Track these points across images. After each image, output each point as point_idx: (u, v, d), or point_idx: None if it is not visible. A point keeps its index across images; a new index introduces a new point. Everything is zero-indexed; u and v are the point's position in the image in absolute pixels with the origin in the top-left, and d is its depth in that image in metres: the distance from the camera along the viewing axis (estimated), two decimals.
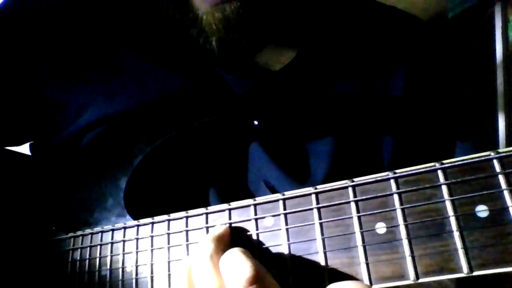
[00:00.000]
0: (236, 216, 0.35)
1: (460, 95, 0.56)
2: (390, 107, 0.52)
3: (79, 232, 0.44)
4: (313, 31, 0.52)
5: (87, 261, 0.42)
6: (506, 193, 0.26)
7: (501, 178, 0.26)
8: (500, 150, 0.26)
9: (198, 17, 0.43)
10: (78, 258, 0.43)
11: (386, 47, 0.54)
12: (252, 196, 0.34)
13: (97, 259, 0.41)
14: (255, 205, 0.34)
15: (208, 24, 0.42)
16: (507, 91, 1.65)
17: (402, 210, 0.28)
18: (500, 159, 0.26)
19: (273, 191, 0.47)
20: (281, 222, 0.32)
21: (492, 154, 0.26)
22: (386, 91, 0.52)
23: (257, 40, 0.45)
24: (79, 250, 0.43)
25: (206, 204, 0.40)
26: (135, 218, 0.41)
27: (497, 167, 0.26)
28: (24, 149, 0.56)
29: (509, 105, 1.64)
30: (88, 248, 0.42)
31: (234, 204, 0.35)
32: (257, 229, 0.33)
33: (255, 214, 0.34)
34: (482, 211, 0.26)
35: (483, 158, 0.27)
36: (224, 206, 0.35)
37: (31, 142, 0.57)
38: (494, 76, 1.69)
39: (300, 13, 0.50)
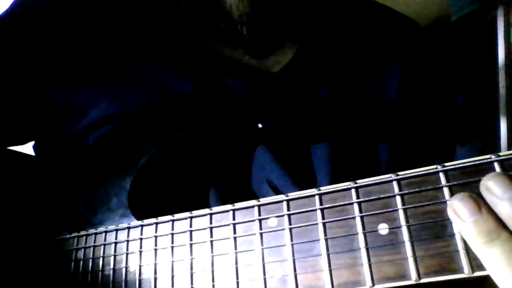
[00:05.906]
0: (240, 217, 0.35)
1: (455, 98, 0.56)
2: (385, 110, 0.52)
3: (83, 232, 0.44)
4: (312, 31, 0.53)
5: (91, 260, 0.42)
6: None
7: None
8: (500, 154, 0.27)
9: (226, 7, 0.42)
10: (82, 257, 0.43)
11: (381, 47, 0.54)
12: (254, 197, 0.35)
13: (101, 259, 0.41)
14: (259, 205, 0.34)
15: (238, 13, 0.42)
16: (509, 95, 1.65)
17: (404, 211, 0.29)
18: (500, 162, 0.27)
19: (276, 190, 0.47)
20: (284, 223, 0.33)
21: (493, 157, 0.27)
22: (380, 93, 0.52)
23: (286, 24, 0.45)
24: (82, 249, 0.43)
25: (209, 205, 0.41)
26: (139, 218, 0.41)
27: (498, 169, 0.26)
28: (28, 150, 0.57)
29: (511, 109, 1.64)
30: (92, 248, 0.42)
31: (238, 205, 0.35)
32: (260, 230, 0.34)
33: (259, 215, 0.34)
34: None
35: (484, 161, 0.27)
36: (228, 207, 0.35)
37: (35, 141, 0.57)
38: (496, 79, 1.69)
39: (301, 11, 0.50)
